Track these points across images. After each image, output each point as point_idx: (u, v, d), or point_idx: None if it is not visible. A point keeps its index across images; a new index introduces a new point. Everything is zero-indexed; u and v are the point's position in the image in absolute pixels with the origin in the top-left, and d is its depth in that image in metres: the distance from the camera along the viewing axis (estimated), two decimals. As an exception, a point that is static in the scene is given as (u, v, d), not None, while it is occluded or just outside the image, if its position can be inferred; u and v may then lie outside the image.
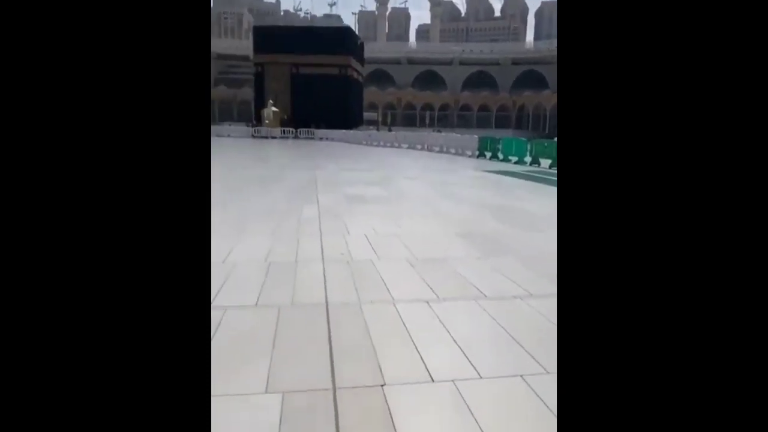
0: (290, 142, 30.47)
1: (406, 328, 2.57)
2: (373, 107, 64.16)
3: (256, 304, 2.88)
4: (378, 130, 38.61)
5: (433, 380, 2.07)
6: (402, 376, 2.09)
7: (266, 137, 33.82)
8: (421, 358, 2.24)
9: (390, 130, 37.40)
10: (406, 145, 24.02)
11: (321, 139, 32.70)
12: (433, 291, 3.17)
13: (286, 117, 38.86)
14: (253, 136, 34.64)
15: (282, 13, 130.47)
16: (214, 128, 42.25)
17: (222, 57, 72.32)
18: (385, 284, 3.29)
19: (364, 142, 27.91)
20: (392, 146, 24.82)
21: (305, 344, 2.37)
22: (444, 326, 2.61)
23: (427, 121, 64.65)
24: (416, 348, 2.35)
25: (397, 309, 2.84)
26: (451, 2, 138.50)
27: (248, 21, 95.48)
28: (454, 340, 2.44)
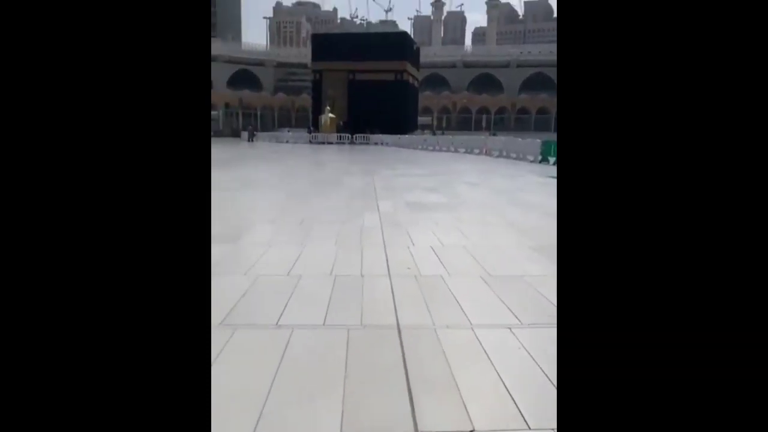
0: (346, 147, 30.76)
1: (490, 360, 2.28)
2: (427, 111, 63.85)
3: (324, 324, 2.70)
4: (434, 134, 38.29)
5: (530, 428, 1.78)
6: (493, 421, 1.81)
7: (323, 143, 34.36)
8: (512, 399, 1.96)
9: (434, 134, 36.94)
10: (463, 150, 23.53)
11: (376, 144, 32.80)
12: (514, 315, 2.86)
13: (342, 123, 39.35)
14: (311, 142, 35.33)
15: (339, 21, 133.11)
16: (273, 134, 43.55)
17: (281, 65, 74.60)
18: (460, 305, 3.02)
19: (420, 147, 27.66)
20: (448, 150, 24.40)
21: (379, 374, 2.15)
22: (533, 359, 2.30)
23: (483, 124, 63.42)
24: (504, 385, 2.06)
25: (476, 335, 2.56)
26: (509, 4, 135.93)
27: (306, 29, 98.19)
28: (548, 377, 2.13)
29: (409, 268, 3.82)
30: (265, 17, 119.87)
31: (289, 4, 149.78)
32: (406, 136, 33.67)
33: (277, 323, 2.69)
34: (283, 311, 2.85)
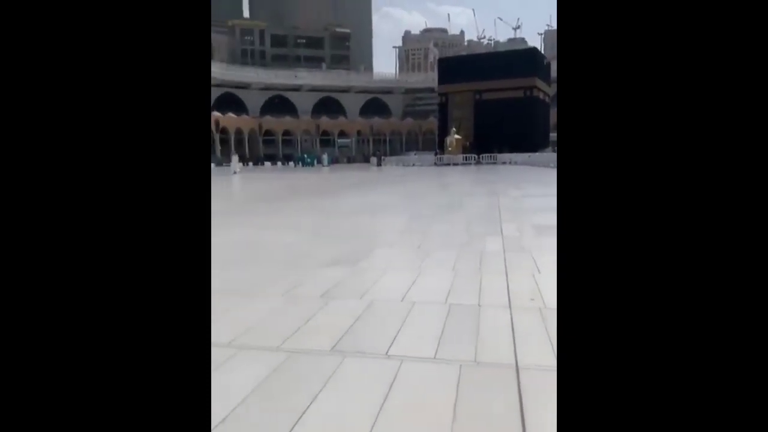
0: (472, 167, 30.36)
1: (629, 417, 1.91)
2: (560, 128, 60.36)
3: (435, 357, 2.54)
4: (554, 151, 36.12)
5: None
6: (631, 500, 1.47)
7: (448, 164, 34.38)
8: (658, 472, 1.58)
9: (554, 151, 34.60)
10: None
11: (504, 163, 31.88)
12: (661, 362, 2.39)
13: (468, 143, 39.11)
14: (436, 164, 35.62)
15: (466, 43, 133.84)
16: (400, 158, 44.90)
17: (409, 91, 77.16)
18: (592, 345, 2.62)
19: (552, 165, 26.13)
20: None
21: (492, 421, 1.92)
22: (687, 421, 1.87)
23: (625, 138, 57.87)
24: (648, 453, 1.69)
25: (611, 384, 2.18)
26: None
27: (434, 54, 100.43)
28: None
29: (533, 299, 3.48)
30: (394, 46, 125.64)
31: (417, 32, 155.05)
32: (537, 153, 32.17)
33: (386, 353, 2.60)
34: (394, 340, 2.76)
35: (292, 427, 1.89)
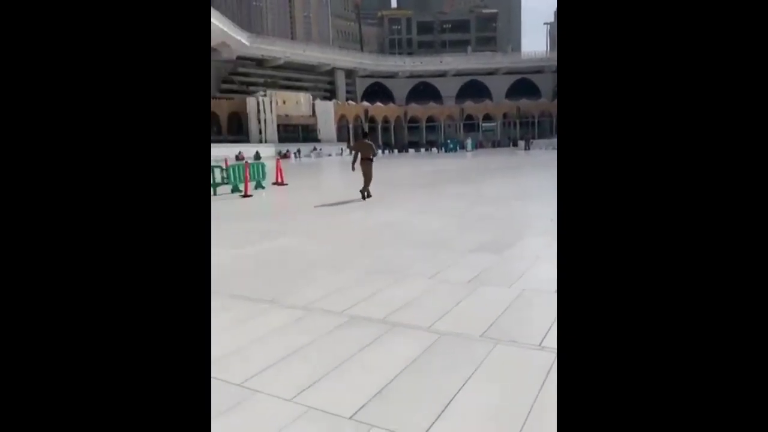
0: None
1: None
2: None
3: (540, 345, 2.34)
4: None
5: None
6: None
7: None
8: None
9: None
10: None
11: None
12: None
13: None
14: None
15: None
16: (550, 141, 42.11)
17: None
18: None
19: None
20: None
21: None
22: None
23: None
24: None
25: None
26: None
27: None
28: None
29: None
30: (545, 23, 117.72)
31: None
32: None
33: (540, 344, 2.49)
34: (548, 331, 2.62)
35: (444, 409, 1.92)
